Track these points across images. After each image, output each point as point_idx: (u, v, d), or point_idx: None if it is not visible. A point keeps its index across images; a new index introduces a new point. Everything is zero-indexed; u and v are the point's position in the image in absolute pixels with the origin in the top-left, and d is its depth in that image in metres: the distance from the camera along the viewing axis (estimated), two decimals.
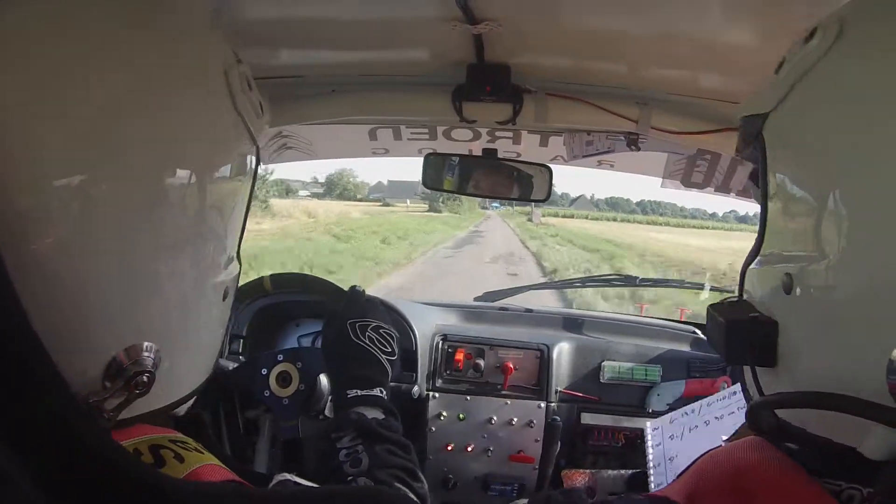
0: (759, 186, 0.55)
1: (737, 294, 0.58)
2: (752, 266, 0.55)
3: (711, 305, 0.57)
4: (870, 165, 0.43)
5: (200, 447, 0.56)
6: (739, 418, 1.24)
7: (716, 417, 1.25)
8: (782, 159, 0.52)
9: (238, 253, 0.69)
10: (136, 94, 0.50)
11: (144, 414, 0.55)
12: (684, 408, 1.30)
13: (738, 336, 0.53)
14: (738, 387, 1.28)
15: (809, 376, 0.48)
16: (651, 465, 1.24)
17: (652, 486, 1.21)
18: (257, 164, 0.69)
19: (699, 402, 1.29)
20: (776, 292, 0.50)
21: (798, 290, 0.48)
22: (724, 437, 0.56)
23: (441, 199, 40.91)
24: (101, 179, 0.48)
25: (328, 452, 0.81)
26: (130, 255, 0.50)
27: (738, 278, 0.58)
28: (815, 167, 0.48)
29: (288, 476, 0.61)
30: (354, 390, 0.88)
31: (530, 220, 38.14)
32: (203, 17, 0.62)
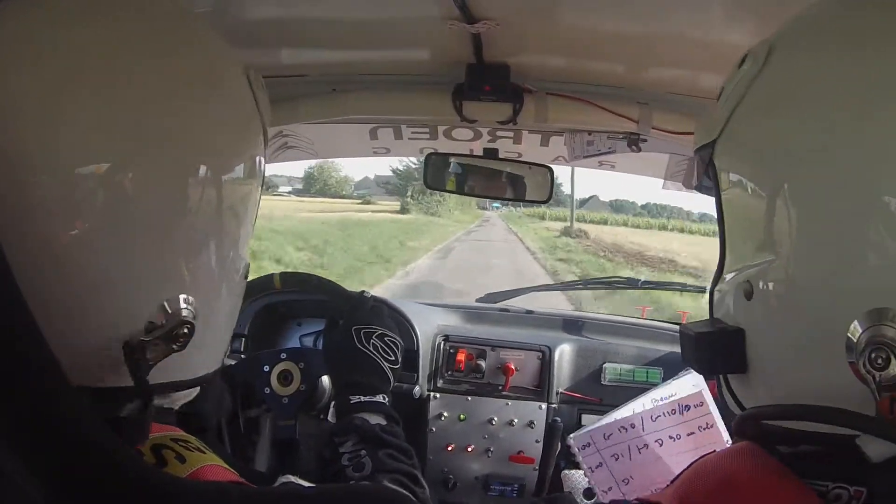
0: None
1: (709, 315, 0.60)
2: (718, 287, 0.58)
3: (682, 325, 0.60)
4: (805, 173, 0.48)
5: (203, 446, 0.57)
6: (703, 438, 1.19)
7: (671, 437, 1.19)
8: (731, 177, 0.56)
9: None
10: (170, 91, 0.54)
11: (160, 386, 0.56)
12: (615, 420, 1.20)
13: (708, 347, 0.56)
14: (684, 399, 1.22)
15: (779, 378, 0.51)
16: (597, 491, 1.18)
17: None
18: (264, 164, 0.69)
19: (636, 414, 1.20)
20: (739, 300, 0.53)
21: (756, 295, 0.51)
22: (693, 457, 0.56)
23: (410, 194, 31.95)
24: (131, 167, 0.51)
25: (330, 456, 0.82)
26: (165, 221, 0.54)
27: None
28: (759, 178, 0.52)
29: (292, 478, 0.62)
30: (357, 396, 0.89)
31: (566, 234, 24.12)
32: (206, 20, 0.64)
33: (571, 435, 1.22)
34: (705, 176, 0.59)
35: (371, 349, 0.94)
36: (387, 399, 0.91)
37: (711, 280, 0.59)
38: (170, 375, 0.56)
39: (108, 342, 0.51)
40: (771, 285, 0.50)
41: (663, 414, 1.21)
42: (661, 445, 1.20)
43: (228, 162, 0.59)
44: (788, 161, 0.49)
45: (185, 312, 0.54)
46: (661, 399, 1.22)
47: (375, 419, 0.86)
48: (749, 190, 0.53)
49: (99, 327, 0.51)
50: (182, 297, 0.55)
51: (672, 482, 0.56)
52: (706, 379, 1.34)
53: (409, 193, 32.28)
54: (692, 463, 0.56)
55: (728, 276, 0.57)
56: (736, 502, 0.49)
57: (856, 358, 0.43)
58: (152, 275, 0.53)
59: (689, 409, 1.21)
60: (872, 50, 0.46)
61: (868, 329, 0.43)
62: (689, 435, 1.19)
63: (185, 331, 0.54)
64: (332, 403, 1.12)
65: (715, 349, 0.55)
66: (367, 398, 0.89)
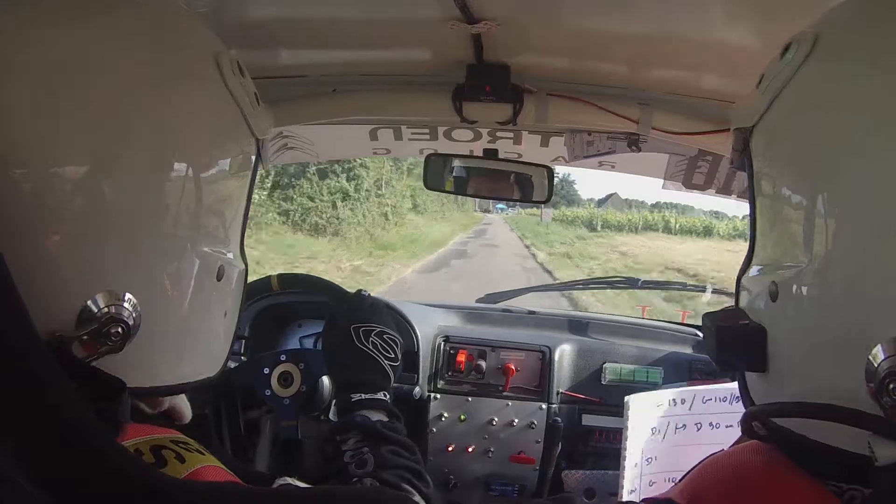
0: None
1: (734, 303, 0.59)
2: (746, 275, 0.57)
3: (706, 314, 0.58)
4: (845, 174, 0.45)
5: (202, 448, 0.56)
6: (736, 433, 1.18)
7: (710, 424, 1.17)
8: (766, 170, 0.54)
9: (242, 250, 0.68)
10: (132, 82, 0.52)
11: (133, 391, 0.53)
12: (677, 390, 1.19)
13: (728, 342, 0.55)
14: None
15: (800, 381, 0.50)
16: (626, 457, 1.14)
17: (624, 491, 1.13)
18: (258, 158, 0.68)
19: (693, 389, 1.18)
20: (764, 300, 0.52)
21: (782, 298, 0.50)
22: (714, 451, 0.56)
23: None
24: (80, 152, 0.50)
25: (332, 454, 0.81)
26: (116, 211, 0.52)
27: None
28: (795, 177, 0.51)
29: (289, 480, 0.61)
30: (358, 394, 0.89)
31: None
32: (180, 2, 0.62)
33: (629, 396, 1.19)
34: (742, 160, 0.57)
35: (370, 347, 0.93)
36: (388, 396, 0.91)
37: (741, 266, 0.58)
38: (140, 380, 0.54)
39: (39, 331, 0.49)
40: (798, 291, 0.49)
41: (715, 399, 1.19)
42: (698, 430, 1.18)
43: (192, 155, 0.57)
44: (829, 161, 0.47)
45: (121, 311, 0.52)
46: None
47: (377, 416, 0.86)
48: (784, 185, 0.51)
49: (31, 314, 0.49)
50: (124, 294, 0.52)
51: (681, 479, 0.56)
52: (713, 371, 1.34)
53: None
54: (702, 461, 0.56)
55: (755, 270, 0.55)
56: (747, 495, 0.49)
57: (874, 382, 0.42)
58: (86, 264, 0.51)
59: (739, 400, 1.21)
60: None
61: (889, 358, 0.41)
62: (727, 427, 1.17)
63: (119, 330, 0.51)
64: (333, 403, 1.11)
65: (734, 345, 0.54)
66: (367, 396, 0.88)
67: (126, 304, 0.52)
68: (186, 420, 0.64)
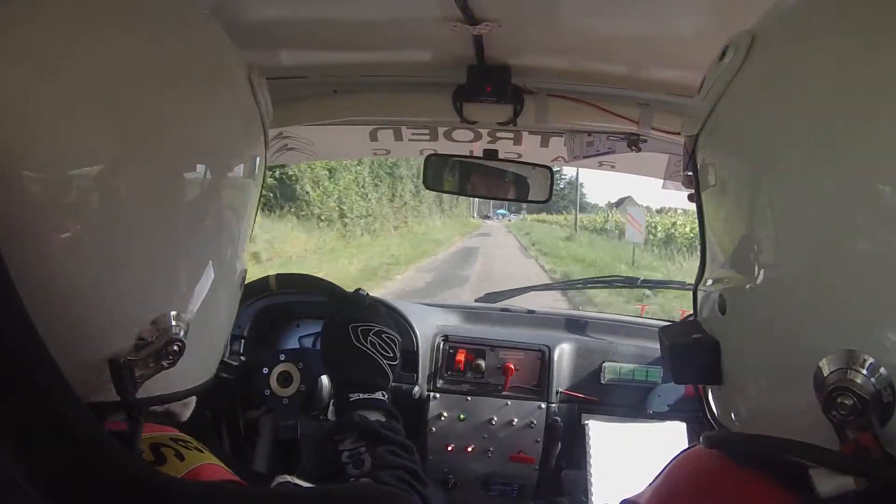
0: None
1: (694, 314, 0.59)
2: (700, 285, 0.57)
3: (662, 328, 0.58)
4: (786, 177, 0.44)
5: (201, 447, 0.56)
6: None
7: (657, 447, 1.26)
8: (708, 178, 0.53)
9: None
10: (176, 96, 0.53)
11: (145, 400, 0.54)
12: (634, 424, 1.34)
13: (682, 357, 0.54)
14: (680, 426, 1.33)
15: (754, 395, 0.50)
16: (592, 473, 1.25)
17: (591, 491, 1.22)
18: (265, 167, 0.69)
19: (648, 425, 1.33)
20: (714, 313, 0.52)
21: (730, 311, 0.50)
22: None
23: None
24: (125, 165, 0.49)
25: (330, 454, 0.81)
26: (156, 230, 0.52)
27: None
28: (736, 184, 0.50)
29: (288, 478, 0.61)
30: (357, 394, 0.89)
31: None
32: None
33: (588, 420, 1.31)
34: (690, 169, 0.56)
35: (369, 346, 0.93)
36: (386, 396, 0.91)
37: (696, 277, 0.58)
38: (158, 389, 0.55)
39: (94, 357, 0.49)
40: (743, 304, 0.48)
41: (666, 434, 1.30)
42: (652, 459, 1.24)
43: (228, 163, 0.58)
44: (769, 161, 0.46)
45: (175, 329, 0.52)
46: None
47: (374, 416, 0.86)
48: (725, 193, 0.51)
49: (84, 341, 0.49)
50: (173, 313, 0.53)
51: (651, 483, 0.56)
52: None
53: None
54: (669, 463, 0.56)
55: (708, 281, 0.55)
56: (715, 491, 0.49)
57: (823, 397, 0.41)
58: (144, 286, 0.52)
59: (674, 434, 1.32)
60: (862, 45, 0.42)
61: (836, 371, 0.41)
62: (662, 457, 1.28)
63: (176, 348, 0.52)
64: (332, 402, 1.11)
65: (688, 360, 0.54)
66: (365, 395, 0.88)
67: (180, 322, 0.53)
68: (184, 419, 0.64)
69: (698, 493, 0.50)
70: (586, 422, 1.35)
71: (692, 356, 0.53)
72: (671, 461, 0.56)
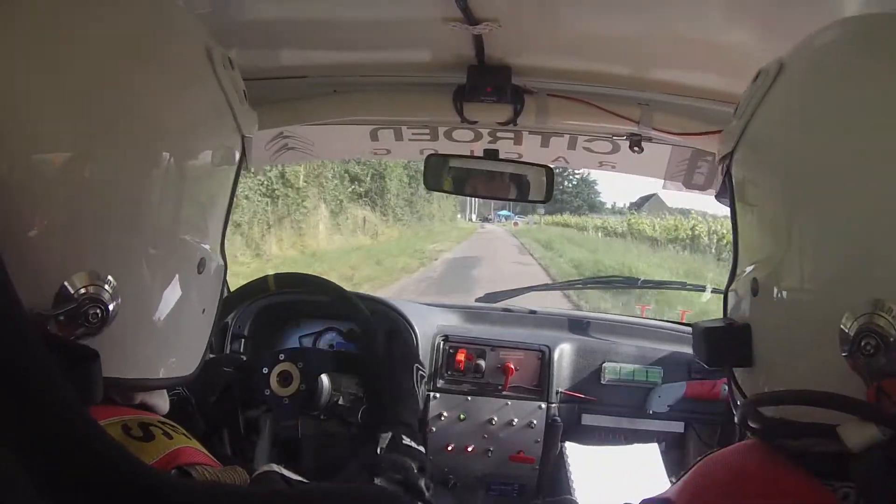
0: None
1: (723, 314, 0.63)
2: (731, 287, 0.61)
3: (695, 323, 0.63)
4: (808, 180, 0.51)
5: (188, 434, 0.56)
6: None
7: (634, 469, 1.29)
8: (744, 188, 0.60)
9: (223, 248, 0.67)
10: (117, 66, 0.53)
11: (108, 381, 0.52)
12: (611, 448, 1.39)
13: (715, 341, 0.59)
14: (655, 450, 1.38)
15: (781, 371, 0.53)
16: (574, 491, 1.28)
17: None
18: (242, 155, 0.67)
19: (625, 448, 1.38)
20: (747, 298, 0.56)
21: (762, 291, 0.54)
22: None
23: None
24: (67, 130, 0.51)
25: (358, 475, 0.87)
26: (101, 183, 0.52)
27: None
28: (770, 186, 0.56)
29: (275, 467, 0.59)
30: (409, 440, 0.95)
31: None
32: None
33: (566, 444, 1.38)
34: (725, 185, 0.62)
35: (418, 391, 0.99)
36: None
37: (727, 281, 0.62)
38: (110, 370, 0.53)
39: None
40: (774, 281, 0.53)
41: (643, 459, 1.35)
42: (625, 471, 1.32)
43: (179, 143, 0.57)
44: (795, 170, 0.53)
45: (100, 293, 0.51)
46: None
47: (412, 464, 0.92)
48: (759, 196, 0.57)
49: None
50: (105, 276, 0.52)
51: (677, 481, 0.56)
52: (713, 371, 1.40)
53: None
54: (696, 461, 0.56)
55: (741, 278, 0.59)
56: (747, 493, 0.49)
57: (847, 347, 0.44)
58: (65, 244, 0.51)
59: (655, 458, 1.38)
60: (876, 86, 0.50)
61: (860, 317, 0.44)
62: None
63: (97, 311, 0.51)
64: (359, 414, 1.13)
65: (721, 343, 0.58)
66: (415, 445, 0.94)
67: (106, 287, 0.52)
68: (163, 413, 0.64)
69: (732, 485, 0.51)
70: (563, 444, 1.40)
71: (726, 338, 0.58)
72: (699, 459, 0.57)
